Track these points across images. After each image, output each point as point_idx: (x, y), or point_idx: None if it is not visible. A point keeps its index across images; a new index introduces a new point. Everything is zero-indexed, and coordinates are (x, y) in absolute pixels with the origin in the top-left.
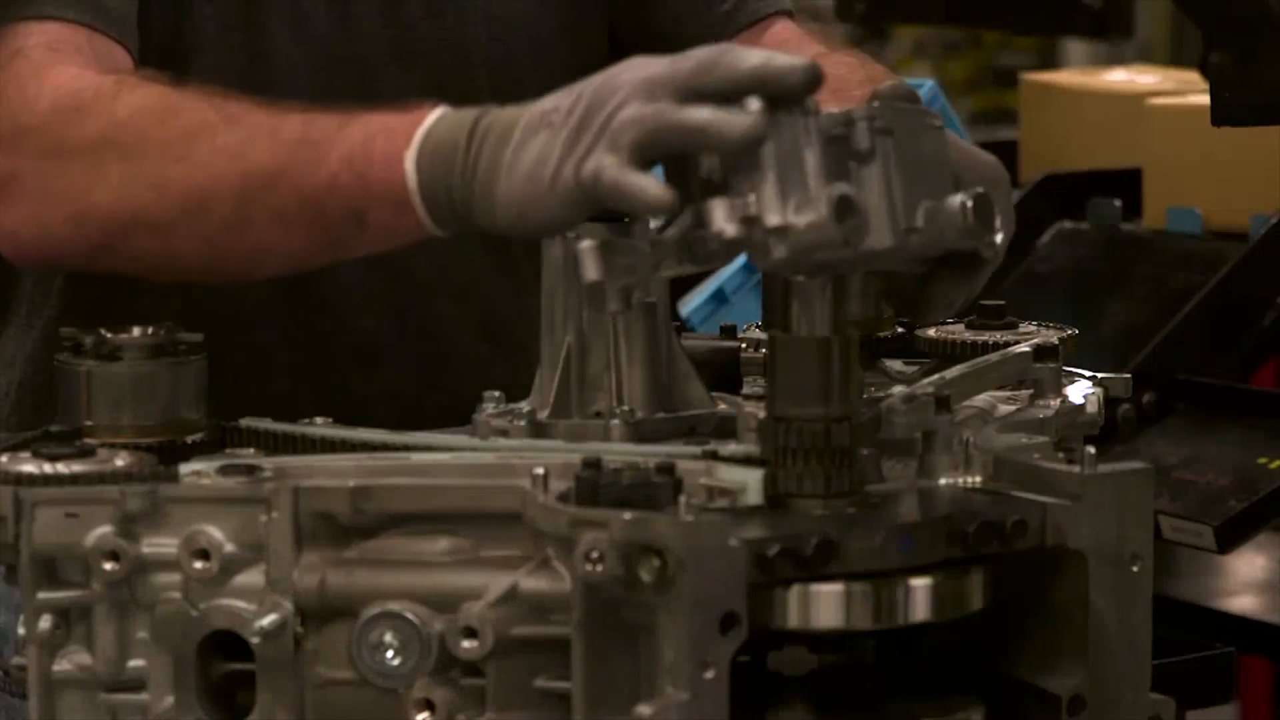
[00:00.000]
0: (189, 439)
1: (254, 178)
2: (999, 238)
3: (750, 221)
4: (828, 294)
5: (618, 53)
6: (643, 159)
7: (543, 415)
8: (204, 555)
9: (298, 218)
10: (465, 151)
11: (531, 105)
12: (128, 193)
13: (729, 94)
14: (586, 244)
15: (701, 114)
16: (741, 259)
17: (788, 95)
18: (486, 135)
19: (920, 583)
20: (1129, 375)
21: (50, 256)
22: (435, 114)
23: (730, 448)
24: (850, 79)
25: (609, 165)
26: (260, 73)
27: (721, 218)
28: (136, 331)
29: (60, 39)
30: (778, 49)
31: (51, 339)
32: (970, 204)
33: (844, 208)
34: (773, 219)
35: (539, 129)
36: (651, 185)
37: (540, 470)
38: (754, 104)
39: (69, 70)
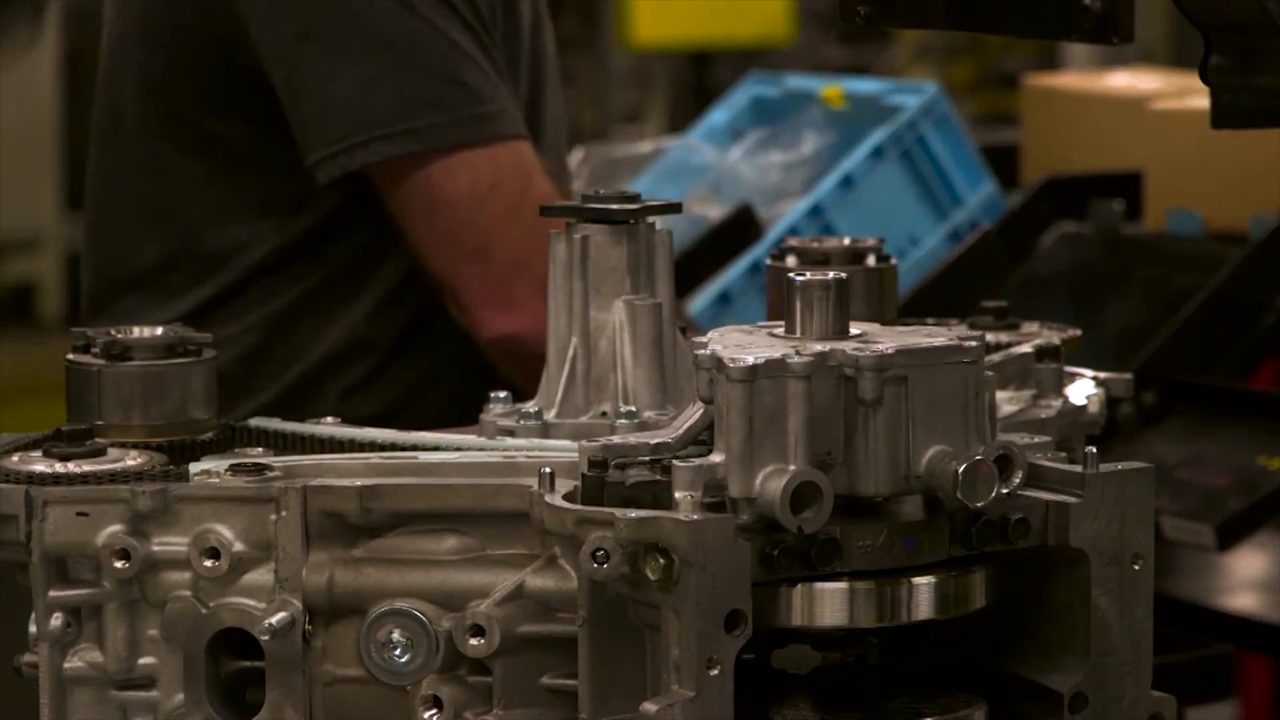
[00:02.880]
0: (199, 438)
1: None
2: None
3: (715, 486)
4: (831, 296)
5: None
6: None
7: (549, 415)
8: (214, 554)
9: None
10: None
11: None
12: None
13: None
14: None
15: None
16: (747, 259)
17: None
18: None
19: (923, 581)
20: (1130, 375)
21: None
22: None
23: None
24: None
25: None
26: None
27: (683, 484)
28: (146, 332)
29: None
30: None
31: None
32: (961, 473)
33: (803, 497)
34: (734, 489)
35: None
36: None
37: (547, 469)
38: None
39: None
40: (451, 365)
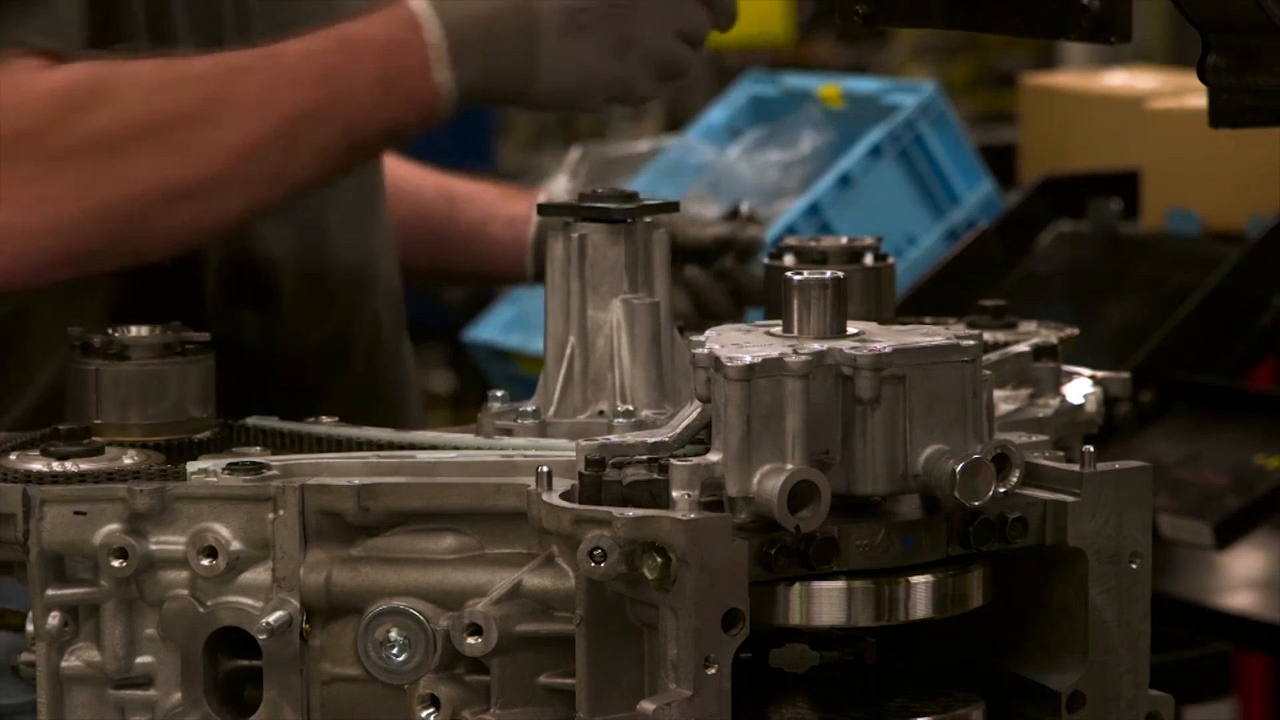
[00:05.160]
0: (196, 437)
1: (296, 122)
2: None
3: (713, 485)
4: (829, 295)
5: None
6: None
7: (547, 414)
8: (211, 553)
9: (339, 149)
10: (496, 49)
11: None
12: (161, 166)
13: None
14: None
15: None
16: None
17: None
18: (505, 30)
19: (921, 580)
20: (1128, 375)
21: (34, 267)
22: (431, 18)
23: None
24: None
25: (657, 93)
26: None
27: (681, 483)
28: (144, 331)
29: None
30: None
31: None
32: (959, 471)
33: (800, 496)
34: (731, 488)
35: (568, 32)
36: None
37: (544, 468)
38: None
39: (58, 72)
40: None
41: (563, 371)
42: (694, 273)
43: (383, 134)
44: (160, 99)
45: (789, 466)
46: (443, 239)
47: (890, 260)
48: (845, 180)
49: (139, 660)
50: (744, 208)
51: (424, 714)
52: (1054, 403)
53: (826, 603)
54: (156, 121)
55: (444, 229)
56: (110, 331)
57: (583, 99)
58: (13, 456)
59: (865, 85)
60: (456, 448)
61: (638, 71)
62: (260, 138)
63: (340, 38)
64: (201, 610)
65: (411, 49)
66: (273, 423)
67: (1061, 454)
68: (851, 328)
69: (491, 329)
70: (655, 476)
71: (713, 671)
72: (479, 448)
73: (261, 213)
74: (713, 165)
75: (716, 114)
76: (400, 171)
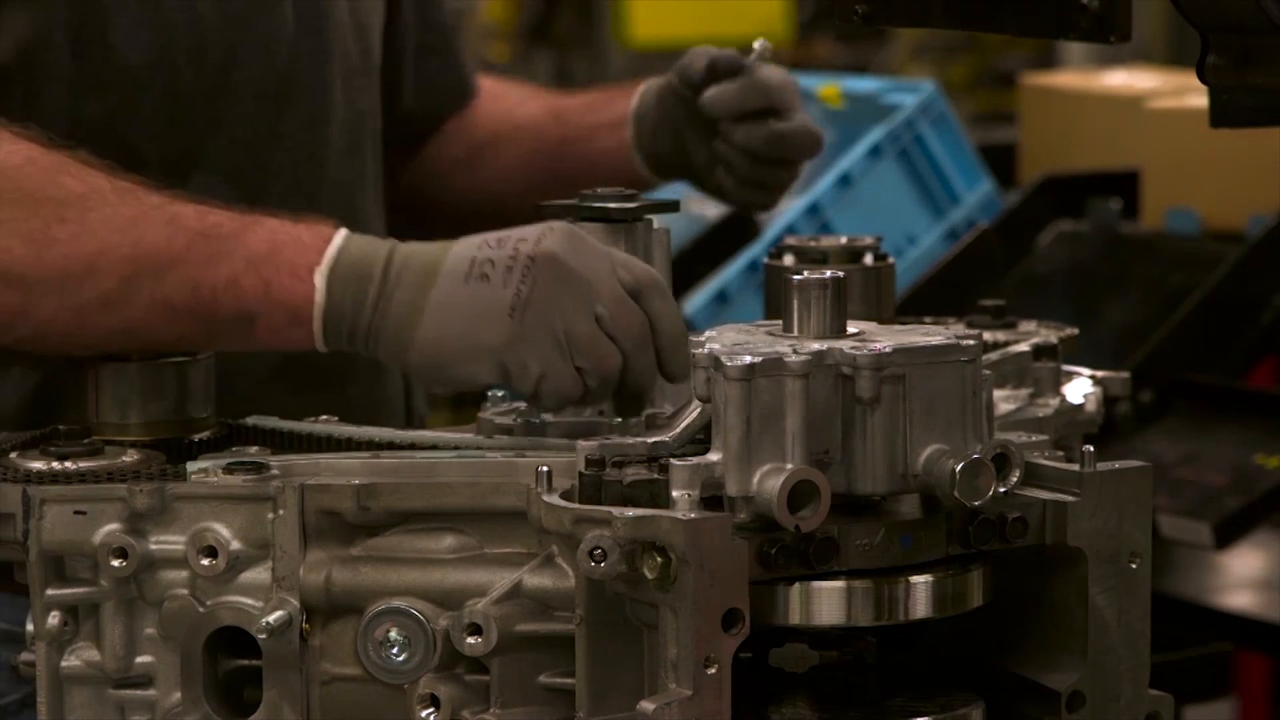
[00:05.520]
0: (196, 437)
1: (146, 259)
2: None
3: (712, 484)
4: (829, 295)
5: None
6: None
7: (547, 414)
8: (211, 552)
9: (183, 308)
10: (380, 283)
11: (449, 246)
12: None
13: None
14: None
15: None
16: (745, 257)
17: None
18: (404, 270)
19: (921, 580)
20: (1127, 374)
21: None
22: (343, 234)
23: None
24: (544, 123)
25: (564, 378)
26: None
27: (681, 482)
28: None
29: None
30: (490, 97)
31: None
32: (959, 471)
33: (800, 495)
34: (731, 488)
35: (468, 279)
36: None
37: (544, 468)
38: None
39: None
40: None
41: None
42: (717, 146)
43: (235, 316)
44: (32, 176)
45: (789, 466)
46: (559, 165)
47: (890, 260)
48: (845, 180)
49: (139, 660)
50: (756, 46)
51: (424, 714)
52: (1054, 403)
53: (826, 602)
54: (12, 194)
55: (557, 154)
56: None
57: (469, 355)
58: (13, 456)
59: (865, 85)
60: (456, 448)
61: (534, 338)
62: (100, 255)
63: (254, 216)
64: (201, 610)
65: (304, 249)
66: (273, 422)
67: (1061, 454)
68: (851, 328)
69: None
70: (655, 476)
71: (713, 671)
72: (479, 448)
73: (89, 341)
74: None
75: None
76: (515, 106)
